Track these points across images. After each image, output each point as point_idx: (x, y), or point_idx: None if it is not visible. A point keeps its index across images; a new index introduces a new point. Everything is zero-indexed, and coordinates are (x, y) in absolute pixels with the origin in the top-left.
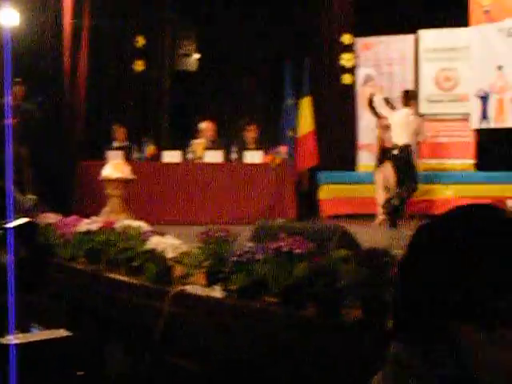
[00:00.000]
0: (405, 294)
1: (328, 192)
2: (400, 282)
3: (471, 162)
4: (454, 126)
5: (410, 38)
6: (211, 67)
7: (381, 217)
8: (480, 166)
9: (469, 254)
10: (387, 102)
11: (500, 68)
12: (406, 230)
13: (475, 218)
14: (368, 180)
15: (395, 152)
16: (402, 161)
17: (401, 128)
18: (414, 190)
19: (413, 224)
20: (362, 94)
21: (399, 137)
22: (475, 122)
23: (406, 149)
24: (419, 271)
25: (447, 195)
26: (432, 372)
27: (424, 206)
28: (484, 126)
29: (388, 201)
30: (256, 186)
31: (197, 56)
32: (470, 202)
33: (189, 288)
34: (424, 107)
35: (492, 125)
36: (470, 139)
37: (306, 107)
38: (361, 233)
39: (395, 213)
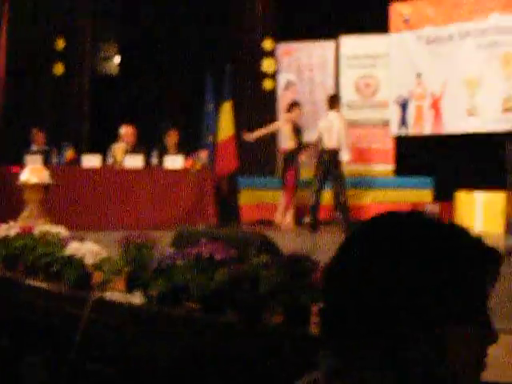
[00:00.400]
0: (332, 301)
1: (248, 197)
2: (327, 288)
3: (390, 167)
4: (374, 132)
5: (331, 44)
6: (132, 71)
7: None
8: (399, 171)
9: (399, 259)
10: (297, 130)
11: (419, 75)
12: (327, 235)
13: (405, 223)
14: None
15: (325, 156)
16: (330, 165)
17: (328, 132)
18: (343, 194)
19: (332, 229)
20: (283, 99)
21: (328, 141)
22: (394, 129)
23: (334, 153)
24: (347, 277)
25: (366, 200)
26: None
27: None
28: (403, 132)
29: (315, 206)
30: (176, 191)
31: (117, 59)
32: (388, 207)
33: (108, 294)
34: (345, 113)
35: (411, 131)
36: (390, 145)
37: (226, 112)
38: (281, 238)
39: (315, 218)
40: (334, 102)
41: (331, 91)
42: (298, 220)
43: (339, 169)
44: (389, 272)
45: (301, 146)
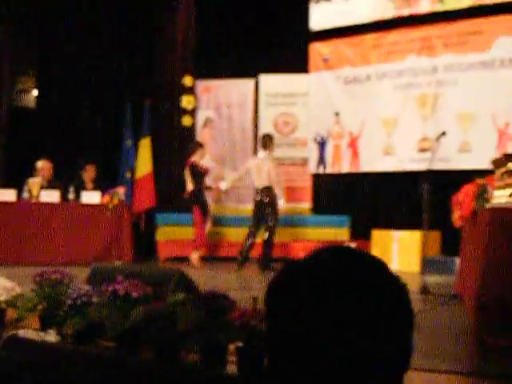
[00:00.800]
0: (269, 339)
1: (165, 234)
2: (266, 327)
3: (308, 205)
4: (293, 170)
5: (250, 82)
6: (50, 104)
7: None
8: (317, 209)
9: (324, 295)
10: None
11: (337, 114)
12: (246, 272)
13: (336, 263)
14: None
15: (257, 197)
16: (262, 204)
17: (259, 172)
18: (273, 232)
19: (251, 266)
20: (201, 136)
21: (258, 180)
22: (313, 167)
23: (267, 191)
24: (277, 316)
25: (285, 238)
26: None
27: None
28: (321, 170)
29: (249, 245)
30: (93, 227)
31: (35, 92)
32: (306, 245)
33: (22, 332)
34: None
35: (329, 170)
36: (308, 183)
37: (145, 148)
38: (199, 275)
39: (245, 256)
40: (266, 141)
41: (250, 129)
42: (213, 257)
43: (274, 206)
44: (315, 308)
45: (201, 187)
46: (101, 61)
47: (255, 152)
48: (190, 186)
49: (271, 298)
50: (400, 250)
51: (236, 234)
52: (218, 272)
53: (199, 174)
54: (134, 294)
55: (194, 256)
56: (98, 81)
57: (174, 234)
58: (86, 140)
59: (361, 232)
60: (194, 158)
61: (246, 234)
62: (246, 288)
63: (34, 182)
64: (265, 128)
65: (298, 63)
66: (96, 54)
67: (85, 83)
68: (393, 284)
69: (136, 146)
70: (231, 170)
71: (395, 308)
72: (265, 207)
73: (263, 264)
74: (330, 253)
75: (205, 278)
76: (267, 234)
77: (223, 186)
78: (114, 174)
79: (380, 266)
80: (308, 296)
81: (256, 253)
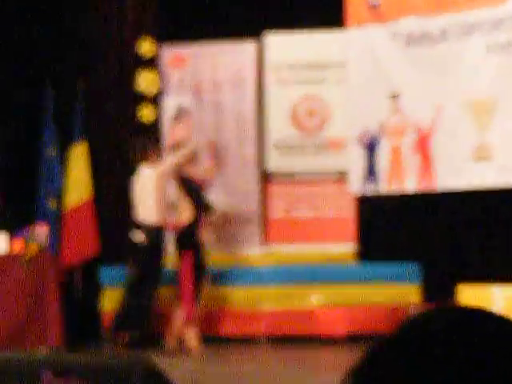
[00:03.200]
0: None
1: (116, 300)
2: None
3: (350, 248)
4: (323, 191)
5: (249, 46)
6: None
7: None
8: (365, 254)
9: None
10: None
11: (395, 97)
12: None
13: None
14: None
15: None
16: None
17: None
18: None
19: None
20: (171, 136)
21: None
22: (357, 184)
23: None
24: None
25: (310, 305)
26: None
27: (271, 324)
28: (370, 190)
29: None
30: (2, 291)
31: None
32: (349, 313)
33: None
34: (273, 160)
35: (383, 189)
36: (349, 212)
37: (77, 161)
38: (172, 365)
39: None
40: (147, 149)
41: (251, 124)
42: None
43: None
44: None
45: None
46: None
47: (260, 158)
48: (186, 215)
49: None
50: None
51: (245, 299)
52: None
53: (195, 193)
54: None
55: (190, 335)
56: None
57: None
58: None
59: (440, 289)
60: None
61: None
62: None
63: None
64: (275, 121)
65: (326, 13)
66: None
67: None
68: None
69: (63, 158)
70: (222, 186)
71: None
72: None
73: None
74: (444, 319)
75: (184, 369)
76: None
77: None
78: (29, 203)
79: None
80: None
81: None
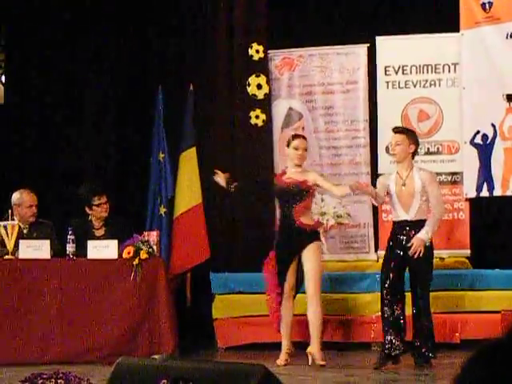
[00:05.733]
0: None
1: (229, 307)
2: None
3: (464, 253)
4: None
5: (360, 49)
6: (25, 97)
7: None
8: (479, 260)
9: None
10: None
11: (510, 97)
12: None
13: None
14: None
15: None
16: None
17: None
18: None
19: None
20: (282, 142)
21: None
22: (471, 188)
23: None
24: None
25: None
26: None
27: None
28: (485, 193)
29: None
30: (107, 299)
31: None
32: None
33: None
34: (384, 164)
35: (497, 192)
36: (464, 216)
37: (188, 166)
38: (292, 375)
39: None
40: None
41: (362, 126)
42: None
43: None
44: None
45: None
46: (106, 24)
47: (373, 164)
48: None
49: None
50: None
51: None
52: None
53: (284, 194)
54: None
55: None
56: (107, 62)
57: (243, 307)
58: (87, 156)
59: None
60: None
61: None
62: None
63: (9, 229)
64: (387, 123)
65: (438, 15)
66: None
67: (82, 67)
68: None
69: (173, 163)
70: (334, 197)
71: None
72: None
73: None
74: None
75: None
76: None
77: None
78: (139, 209)
79: None
80: None
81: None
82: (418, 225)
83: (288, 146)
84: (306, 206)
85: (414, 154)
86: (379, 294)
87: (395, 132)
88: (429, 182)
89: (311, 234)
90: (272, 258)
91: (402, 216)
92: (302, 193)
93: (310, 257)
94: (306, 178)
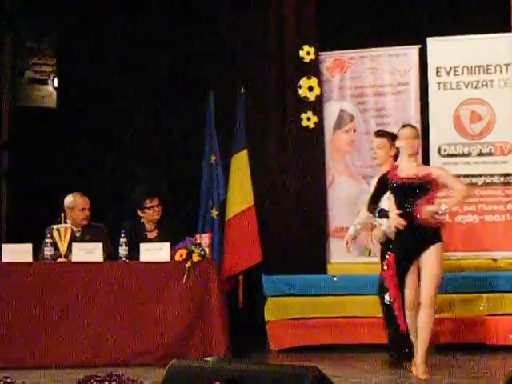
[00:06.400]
0: None
1: (281, 309)
2: None
3: None
4: (488, 196)
5: (412, 50)
6: (76, 102)
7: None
8: None
9: None
10: None
11: None
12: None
13: None
14: (349, 288)
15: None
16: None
17: None
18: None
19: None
20: (334, 144)
21: None
22: None
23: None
24: None
25: (477, 312)
26: None
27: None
28: None
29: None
30: (161, 302)
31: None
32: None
33: None
34: (437, 164)
35: None
36: None
37: (239, 168)
38: (344, 378)
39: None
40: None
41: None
42: None
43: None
44: None
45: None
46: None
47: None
48: (394, 221)
49: None
50: None
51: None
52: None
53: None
54: None
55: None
56: (157, 64)
57: (295, 310)
58: (139, 159)
59: None
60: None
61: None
62: None
63: (62, 232)
64: (439, 125)
65: (490, 16)
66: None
67: (133, 65)
68: None
69: (224, 166)
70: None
71: None
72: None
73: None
74: None
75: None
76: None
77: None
78: (191, 211)
79: None
80: None
81: None
82: None
83: (397, 138)
84: (429, 201)
85: (397, 157)
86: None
87: (376, 136)
88: None
89: (434, 233)
90: (392, 261)
91: None
92: (425, 186)
93: (430, 261)
94: (429, 171)
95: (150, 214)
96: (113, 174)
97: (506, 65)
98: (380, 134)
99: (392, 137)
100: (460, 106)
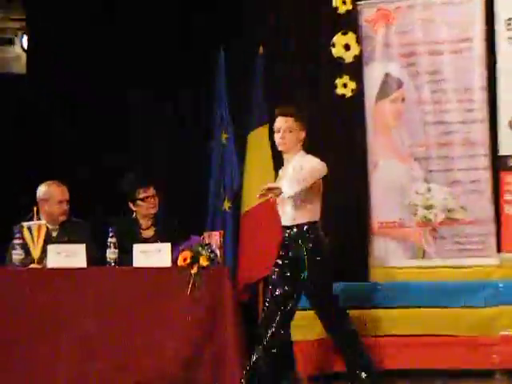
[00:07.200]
0: None
1: (312, 325)
2: None
3: None
4: None
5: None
6: (50, 66)
7: None
8: None
9: None
10: None
11: None
12: None
13: None
14: (399, 299)
15: None
16: None
17: None
18: None
19: None
20: (378, 117)
21: None
22: None
23: None
24: None
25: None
26: None
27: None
28: None
29: None
30: (160, 317)
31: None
32: None
33: None
34: (508, 142)
35: None
36: None
37: (258, 148)
38: None
39: None
40: None
41: (478, 95)
42: None
43: None
44: None
45: None
46: None
47: (493, 143)
48: None
49: None
50: None
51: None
52: None
53: None
54: None
55: None
56: (155, 22)
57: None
58: (131, 136)
59: None
60: None
61: None
62: None
63: (35, 230)
64: (510, 93)
65: None
66: None
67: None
68: None
69: (238, 147)
70: (444, 186)
71: None
72: None
73: None
74: None
75: None
76: None
77: None
78: (198, 204)
79: None
80: None
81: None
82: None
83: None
84: None
85: (304, 143)
86: (503, 307)
87: (281, 115)
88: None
89: None
90: None
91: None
92: None
93: None
94: None
95: (145, 206)
96: (99, 158)
97: None
98: (285, 113)
99: (302, 117)
100: None
